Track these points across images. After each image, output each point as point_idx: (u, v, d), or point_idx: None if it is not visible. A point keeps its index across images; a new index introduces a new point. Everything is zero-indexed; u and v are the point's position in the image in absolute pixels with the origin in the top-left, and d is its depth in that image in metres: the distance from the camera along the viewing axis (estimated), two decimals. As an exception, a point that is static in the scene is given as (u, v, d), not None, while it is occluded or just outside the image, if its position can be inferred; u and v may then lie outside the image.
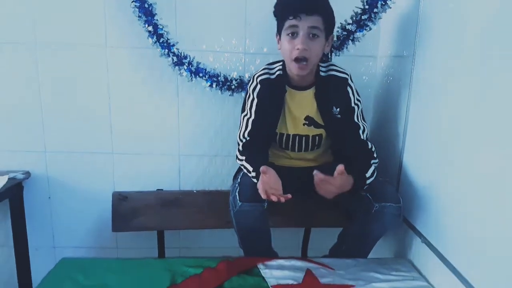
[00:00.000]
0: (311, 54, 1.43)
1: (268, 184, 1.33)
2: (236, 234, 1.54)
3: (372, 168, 1.47)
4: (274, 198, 1.30)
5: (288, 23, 1.43)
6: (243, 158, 1.53)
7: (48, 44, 1.81)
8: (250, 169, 1.47)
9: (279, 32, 1.50)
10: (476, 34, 1.14)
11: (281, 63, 1.57)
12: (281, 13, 1.46)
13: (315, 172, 1.34)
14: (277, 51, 1.54)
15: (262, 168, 1.33)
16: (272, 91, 1.55)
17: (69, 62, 1.84)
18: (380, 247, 1.65)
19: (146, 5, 1.67)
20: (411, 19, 1.57)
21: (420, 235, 1.46)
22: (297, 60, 1.44)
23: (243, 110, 1.61)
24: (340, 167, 1.32)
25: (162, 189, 1.93)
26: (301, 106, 1.57)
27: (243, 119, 1.60)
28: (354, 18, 1.66)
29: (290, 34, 1.44)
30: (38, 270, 1.66)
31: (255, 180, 1.43)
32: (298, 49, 1.42)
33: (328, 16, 1.45)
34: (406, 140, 1.61)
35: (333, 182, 1.34)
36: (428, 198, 1.41)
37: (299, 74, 1.47)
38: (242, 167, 1.55)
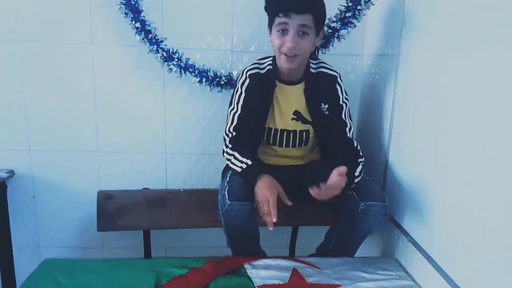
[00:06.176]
0: (300, 51, 1.44)
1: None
2: (225, 233, 1.53)
3: (360, 167, 1.47)
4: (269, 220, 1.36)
5: (278, 20, 1.43)
6: (233, 153, 1.52)
7: (32, 42, 1.78)
8: (243, 160, 1.47)
9: (270, 25, 1.50)
10: (461, 31, 1.14)
11: (271, 58, 1.57)
12: (272, 10, 1.46)
13: (310, 189, 1.34)
14: (265, 50, 1.53)
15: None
16: (262, 86, 1.55)
17: (54, 60, 1.80)
18: (367, 246, 1.66)
19: (132, 2, 1.64)
20: (397, 17, 1.57)
21: (406, 234, 1.46)
22: (286, 55, 1.45)
23: (230, 104, 1.61)
24: (342, 169, 1.31)
25: (148, 188, 1.91)
26: (290, 100, 1.58)
27: (230, 114, 1.60)
28: (339, 15, 1.67)
29: (280, 31, 1.44)
30: (22, 270, 1.65)
31: (244, 166, 1.45)
32: (287, 46, 1.42)
33: (319, 13, 1.45)
34: (391, 138, 1.61)
35: (332, 187, 1.33)
36: (414, 196, 1.41)
37: (288, 66, 1.47)
38: (229, 162, 1.54)
